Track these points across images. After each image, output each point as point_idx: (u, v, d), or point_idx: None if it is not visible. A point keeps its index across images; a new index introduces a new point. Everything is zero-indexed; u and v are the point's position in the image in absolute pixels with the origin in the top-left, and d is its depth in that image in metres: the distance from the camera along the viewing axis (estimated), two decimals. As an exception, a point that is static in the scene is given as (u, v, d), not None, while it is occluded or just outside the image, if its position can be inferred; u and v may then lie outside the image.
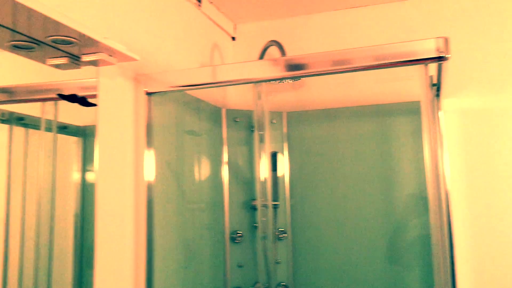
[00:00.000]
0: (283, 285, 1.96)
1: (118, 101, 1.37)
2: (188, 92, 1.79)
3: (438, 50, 1.14)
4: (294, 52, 2.18)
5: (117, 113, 1.37)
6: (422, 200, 1.87)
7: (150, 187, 1.49)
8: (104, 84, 1.29)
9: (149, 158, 1.49)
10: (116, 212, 1.37)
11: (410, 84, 1.99)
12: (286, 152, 2.07)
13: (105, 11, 1.34)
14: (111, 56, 1.11)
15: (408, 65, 1.20)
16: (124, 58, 1.14)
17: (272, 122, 2.08)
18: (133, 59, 1.15)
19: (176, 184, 1.76)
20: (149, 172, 1.50)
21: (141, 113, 1.47)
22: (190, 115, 1.86)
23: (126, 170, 1.43)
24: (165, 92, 1.46)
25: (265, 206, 1.91)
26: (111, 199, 1.34)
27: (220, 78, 1.37)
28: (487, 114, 1.87)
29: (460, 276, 1.83)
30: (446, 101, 1.91)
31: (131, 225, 1.47)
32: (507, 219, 1.81)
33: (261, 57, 1.97)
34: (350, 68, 1.25)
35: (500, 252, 1.80)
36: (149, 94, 1.47)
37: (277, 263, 1.98)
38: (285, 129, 2.09)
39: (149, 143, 1.49)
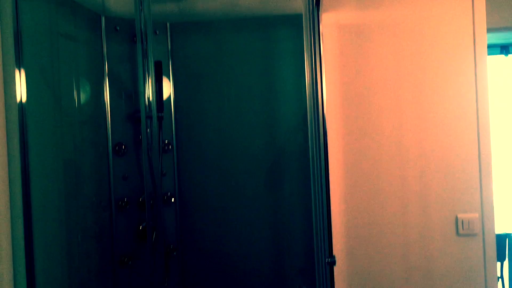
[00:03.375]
0: (169, 195, 2.00)
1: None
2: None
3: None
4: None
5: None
6: (303, 118, 1.98)
7: (22, 107, 1.39)
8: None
9: (19, 74, 1.37)
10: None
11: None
12: (170, 65, 2.03)
13: None
14: None
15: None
16: None
17: (155, 33, 2.01)
18: None
19: (53, 100, 1.66)
20: (20, 91, 1.39)
21: (7, 13, 1.33)
22: (66, 21, 1.72)
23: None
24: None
25: (149, 118, 1.89)
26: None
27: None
28: (362, 29, 1.99)
29: (333, 188, 2.02)
30: (325, 15, 1.99)
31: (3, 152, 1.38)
32: (379, 135, 2.00)
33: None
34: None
35: (369, 164, 2.01)
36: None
37: (163, 175, 2.00)
38: (169, 43, 2.04)
39: (19, 54, 1.36)
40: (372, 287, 1.99)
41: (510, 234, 3.35)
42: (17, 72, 1.38)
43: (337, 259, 1.99)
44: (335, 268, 1.97)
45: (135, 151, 1.95)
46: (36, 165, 1.51)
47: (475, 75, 1.96)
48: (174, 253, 1.98)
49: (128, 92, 1.96)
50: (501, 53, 2.84)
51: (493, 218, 1.97)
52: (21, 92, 1.43)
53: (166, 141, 2.00)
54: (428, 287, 1.98)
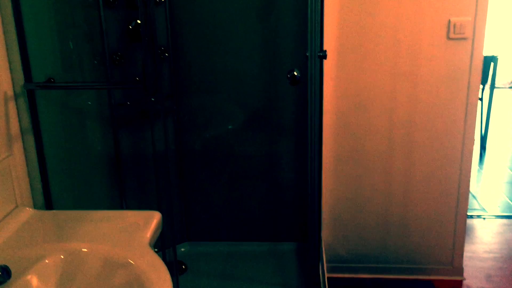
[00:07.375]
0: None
1: None
2: None
3: None
4: None
5: None
6: None
7: None
8: None
9: None
10: None
11: None
12: None
13: None
14: None
15: None
16: None
17: None
18: None
19: None
20: None
21: None
22: None
23: None
24: None
25: None
26: None
27: None
28: None
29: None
30: None
31: None
32: None
33: None
34: None
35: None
36: None
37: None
38: None
39: None
40: (359, 88, 2.07)
41: (496, 57, 3.39)
42: None
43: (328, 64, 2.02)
44: (326, 78, 2.02)
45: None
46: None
47: None
48: (166, 54, 1.98)
49: None
50: None
51: (485, 23, 1.97)
52: None
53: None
54: (413, 87, 2.05)
